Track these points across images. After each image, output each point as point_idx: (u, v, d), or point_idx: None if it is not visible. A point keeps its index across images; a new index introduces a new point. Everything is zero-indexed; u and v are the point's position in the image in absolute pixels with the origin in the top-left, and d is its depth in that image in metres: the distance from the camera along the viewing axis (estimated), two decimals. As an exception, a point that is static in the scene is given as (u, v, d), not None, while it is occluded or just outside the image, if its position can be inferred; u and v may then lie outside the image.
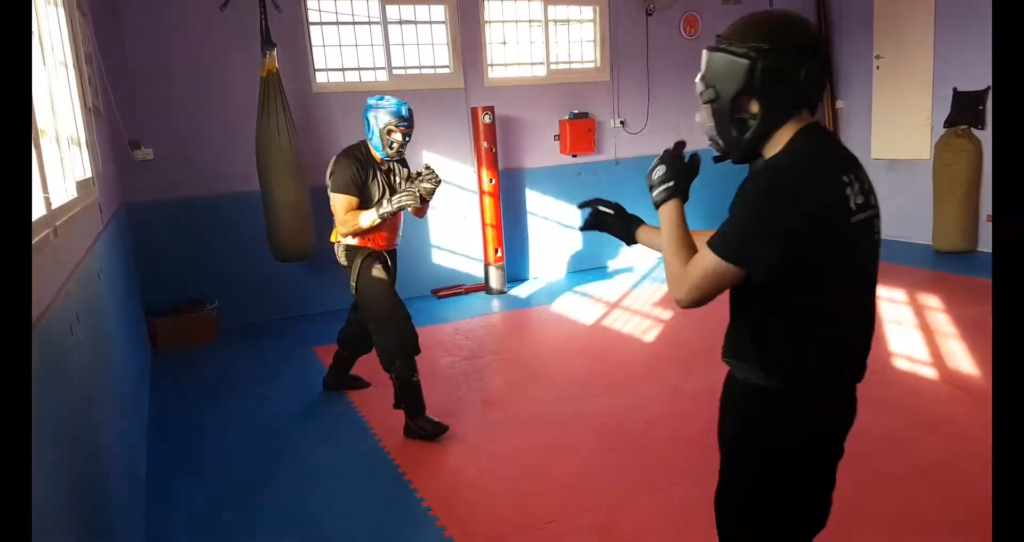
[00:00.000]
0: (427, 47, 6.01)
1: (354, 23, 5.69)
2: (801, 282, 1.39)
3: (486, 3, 6.11)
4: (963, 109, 6.29)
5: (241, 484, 3.04)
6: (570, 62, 6.57)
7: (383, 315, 3.23)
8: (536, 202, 6.54)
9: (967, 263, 6.03)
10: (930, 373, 3.75)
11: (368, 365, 3.81)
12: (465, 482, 2.98)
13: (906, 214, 6.91)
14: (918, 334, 4.35)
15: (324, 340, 4.52)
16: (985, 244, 6.22)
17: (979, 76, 6.08)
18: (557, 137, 6.49)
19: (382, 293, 3.26)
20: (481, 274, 6.23)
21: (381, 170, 3.29)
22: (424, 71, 6.02)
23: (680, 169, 1.52)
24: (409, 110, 3.22)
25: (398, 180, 3.36)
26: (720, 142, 1.49)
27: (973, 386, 3.53)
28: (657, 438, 3.22)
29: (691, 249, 1.46)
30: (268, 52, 4.92)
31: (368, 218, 3.15)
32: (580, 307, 5.55)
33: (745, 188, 1.41)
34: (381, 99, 3.24)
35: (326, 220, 3.74)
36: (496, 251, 6.01)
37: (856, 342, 1.49)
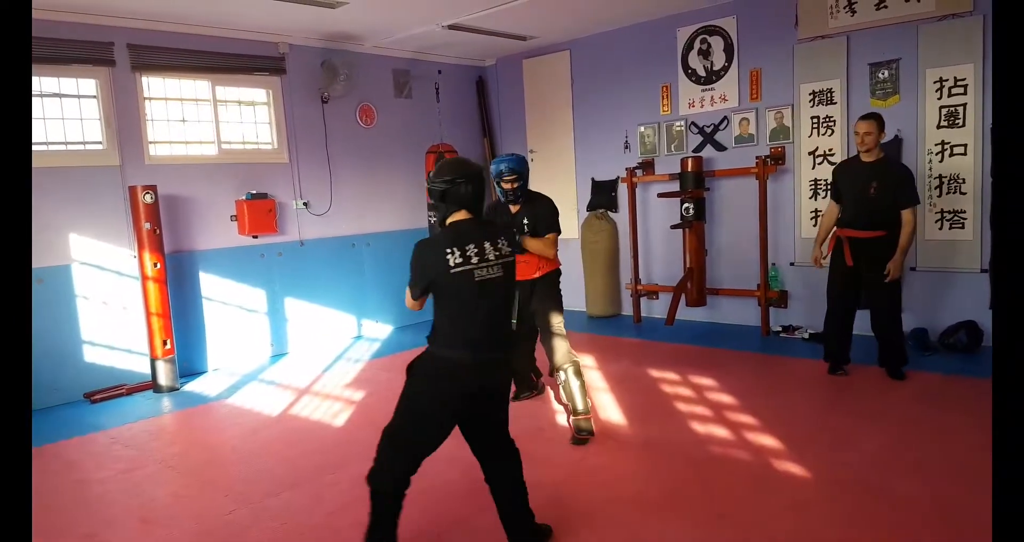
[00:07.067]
0: (75, 122, 5.38)
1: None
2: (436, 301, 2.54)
3: (144, 78, 5.70)
4: (600, 195, 7.47)
5: None
6: (244, 142, 6.38)
7: (562, 326, 4.25)
8: (213, 286, 6.09)
9: (615, 325, 7.03)
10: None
11: None
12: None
13: (565, 286, 7.86)
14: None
15: None
16: (627, 308, 7.34)
17: (611, 169, 7.31)
18: (235, 217, 6.19)
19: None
20: (147, 370, 5.55)
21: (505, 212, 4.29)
22: (71, 147, 5.35)
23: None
24: (511, 164, 4.05)
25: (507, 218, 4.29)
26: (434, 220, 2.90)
27: (620, 435, 4.05)
28: (337, 530, 3.09)
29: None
30: None
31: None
32: (265, 397, 5.21)
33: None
34: (498, 158, 4.17)
35: None
36: (164, 343, 5.42)
37: (476, 333, 2.48)
